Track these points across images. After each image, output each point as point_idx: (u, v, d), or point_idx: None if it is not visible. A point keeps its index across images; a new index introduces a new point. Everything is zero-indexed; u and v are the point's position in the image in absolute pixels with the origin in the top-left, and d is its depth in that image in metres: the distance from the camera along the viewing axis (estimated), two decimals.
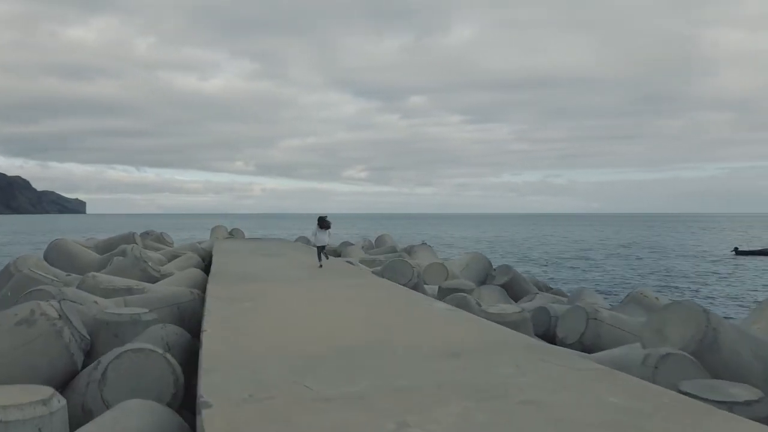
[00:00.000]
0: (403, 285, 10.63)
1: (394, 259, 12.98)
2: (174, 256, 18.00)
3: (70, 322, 6.11)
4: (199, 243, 23.03)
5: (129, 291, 10.49)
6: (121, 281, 11.70)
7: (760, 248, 65.59)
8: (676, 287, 36.96)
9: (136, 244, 19.76)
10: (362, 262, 16.76)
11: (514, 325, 7.46)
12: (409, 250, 22.31)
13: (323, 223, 13.02)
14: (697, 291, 35.17)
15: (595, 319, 8.41)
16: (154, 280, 13.09)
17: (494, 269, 15.02)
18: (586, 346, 8.22)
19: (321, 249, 13.01)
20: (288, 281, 9.99)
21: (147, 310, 7.99)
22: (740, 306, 30.87)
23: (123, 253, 16.49)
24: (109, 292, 10.32)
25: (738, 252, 62.95)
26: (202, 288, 13.11)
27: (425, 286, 12.30)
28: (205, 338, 5.42)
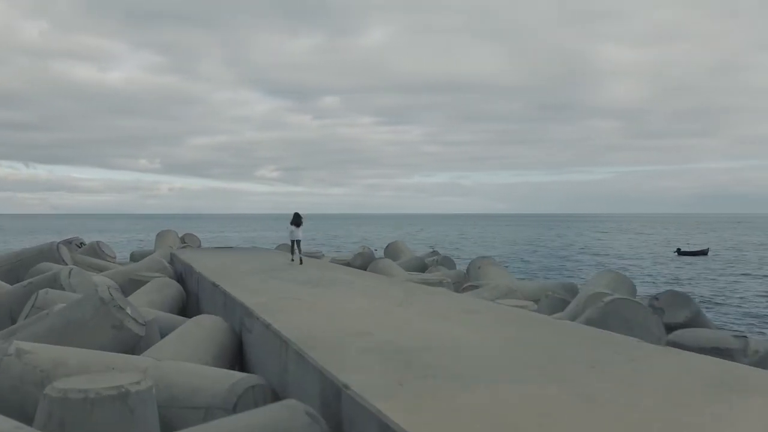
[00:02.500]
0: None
1: (616, 298, 7.46)
2: (132, 282, 11.50)
3: None
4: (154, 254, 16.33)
5: (123, 399, 4.35)
6: (83, 358, 5.52)
7: (698, 249, 67.40)
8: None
9: (65, 261, 12.91)
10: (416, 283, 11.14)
11: None
12: (448, 264, 16.84)
13: (297, 220, 13.76)
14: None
15: None
16: (134, 341, 6.85)
17: (656, 298, 9.96)
18: None
19: (296, 243, 13.78)
20: (516, 379, 4.24)
21: None
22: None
23: (53, 282, 9.86)
24: (70, 407, 4.14)
25: (680, 253, 64.51)
26: (232, 359, 7.06)
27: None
28: None
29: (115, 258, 15.68)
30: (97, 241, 16.07)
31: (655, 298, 10.14)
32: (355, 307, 7.33)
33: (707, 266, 54.67)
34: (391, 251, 18.66)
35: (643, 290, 39.01)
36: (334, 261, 16.40)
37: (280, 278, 10.36)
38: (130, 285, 11.38)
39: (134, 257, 20.67)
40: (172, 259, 16.51)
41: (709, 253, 64.24)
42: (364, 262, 15.89)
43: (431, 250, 21.01)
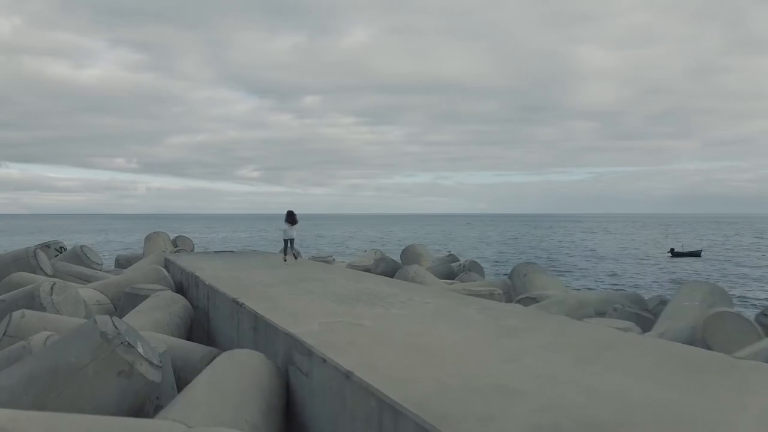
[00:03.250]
0: None
1: None
2: (128, 296, 9.48)
3: None
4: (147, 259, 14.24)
5: None
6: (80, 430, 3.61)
7: (691, 250, 67.10)
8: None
9: (44, 271, 10.84)
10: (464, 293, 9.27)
11: None
12: (477, 270, 15.03)
13: (291, 218, 13.34)
14: None
15: None
16: (147, 390, 4.93)
17: (764, 314, 8.29)
18: None
19: (290, 243, 13.54)
20: None
21: None
22: None
23: (30, 299, 7.85)
24: None
25: (674, 254, 64.17)
26: (283, 416, 5.17)
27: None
28: None
29: (101, 265, 13.55)
30: (80, 245, 13.89)
31: (764, 314, 8.47)
32: (445, 337, 5.46)
33: (703, 267, 54.15)
34: (410, 255, 16.80)
35: (649, 293, 37.93)
36: (352, 267, 14.50)
37: (313, 292, 8.44)
38: (125, 300, 9.37)
39: (120, 263, 18.56)
40: (168, 266, 14.50)
41: (702, 254, 63.90)
42: (387, 268, 14.01)
43: (448, 253, 19.23)
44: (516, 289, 11.90)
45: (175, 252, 17.01)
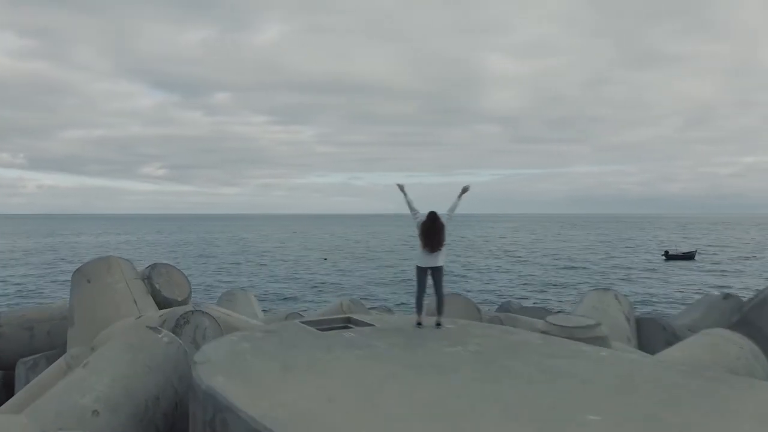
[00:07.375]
0: None
1: None
2: None
3: None
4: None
5: None
6: None
7: (683, 252, 63.35)
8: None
9: None
10: None
11: None
12: None
13: (433, 237, 6.56)
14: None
15: None
16: None
17: None
18: None
19: (433, 277, 6.64)
20: None
21: None
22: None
23: None
24: None
25: (668, 256, 60.23)
26: None
27: None
28: None
29: None
30: None
31: None
32: None
33: (700, 269, 50.40)
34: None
35: (661, 303, 30.72)
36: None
37: None
38: None
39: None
40: None
41: (696, 257, 60.16)
42: None
43: (723, 295, 9.04)
44: None
45: (183, 321, 5.59)
